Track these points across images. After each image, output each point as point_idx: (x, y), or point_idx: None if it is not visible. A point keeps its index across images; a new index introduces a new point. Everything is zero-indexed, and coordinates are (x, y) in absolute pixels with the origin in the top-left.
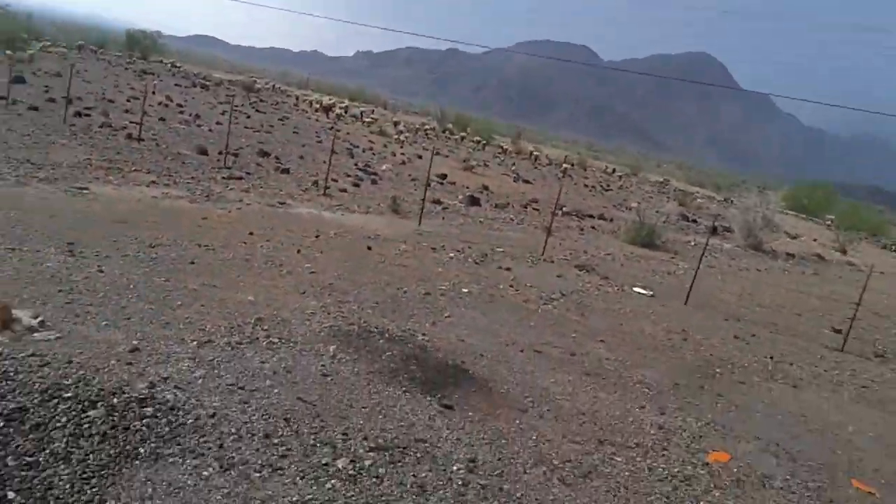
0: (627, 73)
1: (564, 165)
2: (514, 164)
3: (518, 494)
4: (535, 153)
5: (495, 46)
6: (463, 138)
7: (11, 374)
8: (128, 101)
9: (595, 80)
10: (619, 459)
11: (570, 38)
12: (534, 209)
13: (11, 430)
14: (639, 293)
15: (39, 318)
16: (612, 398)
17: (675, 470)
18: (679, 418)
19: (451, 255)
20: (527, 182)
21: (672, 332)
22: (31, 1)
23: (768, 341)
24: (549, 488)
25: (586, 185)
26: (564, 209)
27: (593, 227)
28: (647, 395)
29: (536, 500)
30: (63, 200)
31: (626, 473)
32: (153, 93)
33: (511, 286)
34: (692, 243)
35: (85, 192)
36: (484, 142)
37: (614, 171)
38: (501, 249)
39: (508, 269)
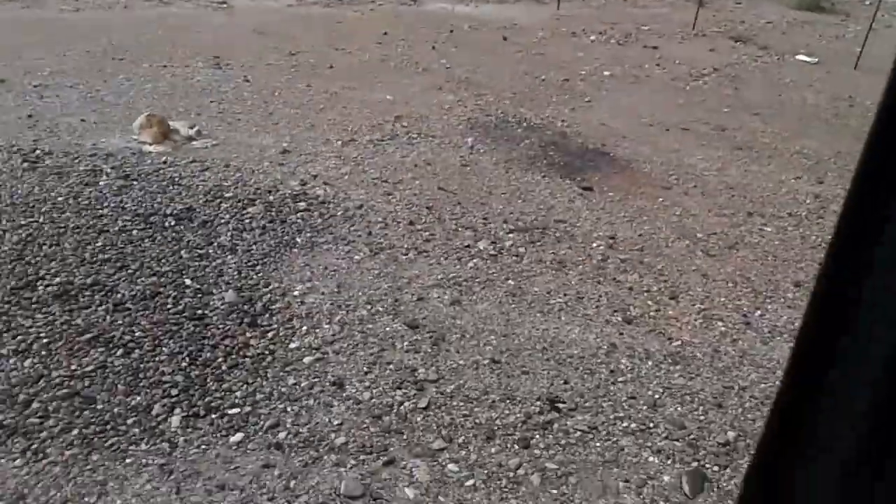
0: None
1: None
2: None
3: (659, 266)
4: None
5: None
6: None
7: (177, 179)
8: None
9: None
10: (769, 230)
11: None
12: None
13: (182, 227)
14: (801, 61)
15: (196, 128)
16: (765, 170)
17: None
18: (839, 186)
19: (592, 38)
20: None
21: (837, 99)
22: None
23: None
24: (692, 259)
25: None
26: None
27: None
28: (805, 165)
29: (678, 270)
30: (205, 16)
31: (776, 242)
32: None
33: (657, 65)
34: (867, 2)
35: (224, 6)
36: None
37: None
38: (647, 27)
39: (655, 47)
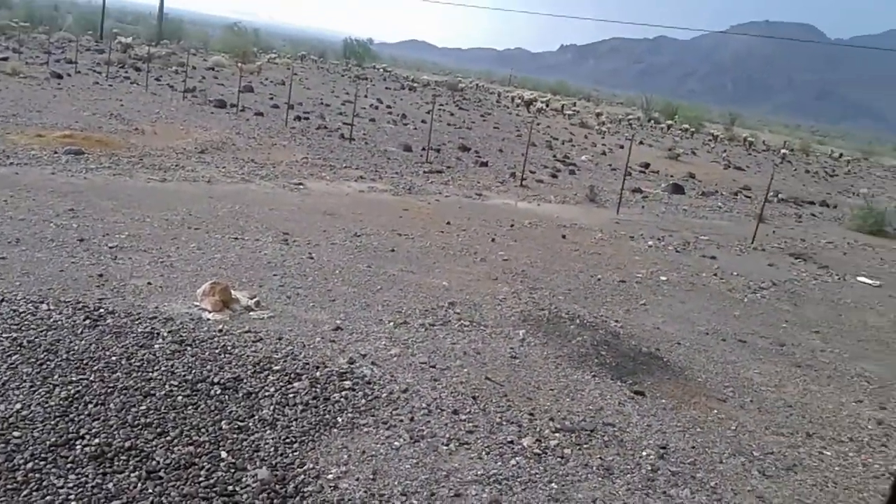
0: (859, 51)
1: (783, 151)
2: (725, 151)
3: (712, 483)
4: (749, 139)
5: (707, 30)
6: (670, 127)
7: (229, 347)
8: (342, 104)
9: (821, 60)
10: (828, 454)
11: (791, 17)
12: (745, 196)
13: (227, 397)
14: (863, 283)
15: (255, 299)
16: (825, 391)
17: None
18: None
19: (650, 243)
20: (739, 169)
21: None
22: (260, 20)
23: None
24: (748, 479)
25: (808, 171)
26: (780, 196)
27: (813, 215)
28: (866, 388)
29: (733, 490)
30: (281, 195)
31: (837, 468)
32: (365, 96)
33: (715, 275)
34: None
35: (300, 187)
36: (693, 130)
37: (841, 155)
38: (706, 237)
39: (713, 257)
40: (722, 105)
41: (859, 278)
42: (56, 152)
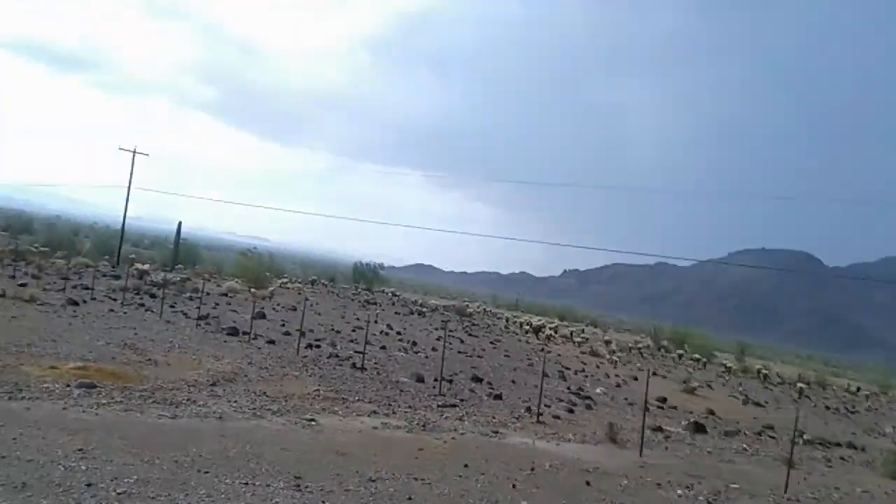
0: (858, 281)
1: (800, 385)
2: (740, 383)
3: None
4: (763, 371)
5: (705, 258)
6: (681, 356)
7: None
8: (353, 331)
9: (822, 287)
10: None
11: (787, 244)
12: (769, 437)
13: None
14: None
15: None
16: None
17: None
18: None
19: (679, 492)
20: (757, 405)
21: None
22: (272, 242)
23: None
24: None
25: (827, 408)
26: (805, 436)
27: (843, 458)
28: None
29: None
30: (292, 433)
31: None
32: (375, 322)
33: None
34: None
35: (312, 423)
36: (704, 360)
37: (859, 389)
38: (737, 486)
39: None
40: (727, 331)
41: None
42: (69, 385)
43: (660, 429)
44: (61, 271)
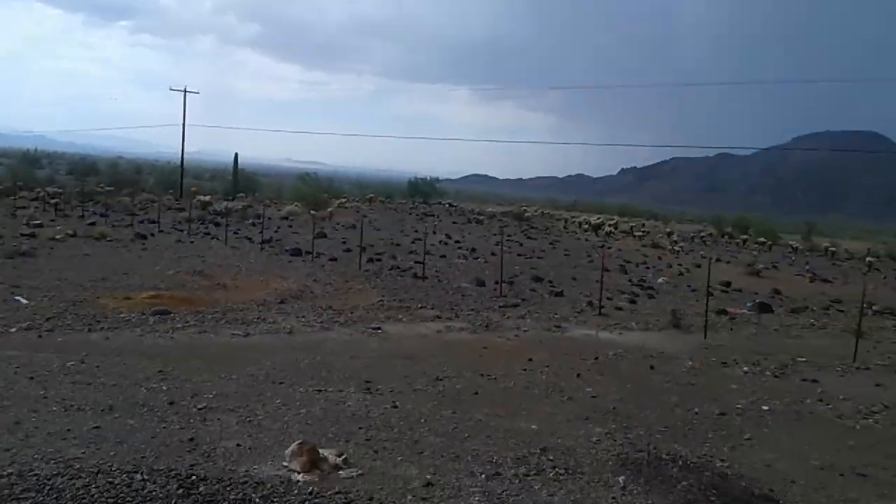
0: None
1: (869, 259)
2: (807, 262)
3: None
4: (831, 248)
5: (768, 145)
6: (745, 242)
7: None
8: (412, 242)
9: (889, 166)
10: None
11: (853, 125)
12: (837, 310)
13: None
14: None
15: (343, 457)
16: None
17: None
18: None
19: (745, 368)
20: (825, 281)
21: None
22: (328, 165)
23: None
24: None
25: None
26: (875, 307)
27: None
28: None
29: None
30: (360, 341)
31: None
32: (434, 232)
33: (820, 400)
34: None
35: (378, 331)
36: (770, 243)
37: None
38: (803, 359)
39: (814, 380)
40: (793, 217)
41: None
42: (144, 314)
43: (724, 311)
44: (127, 208)
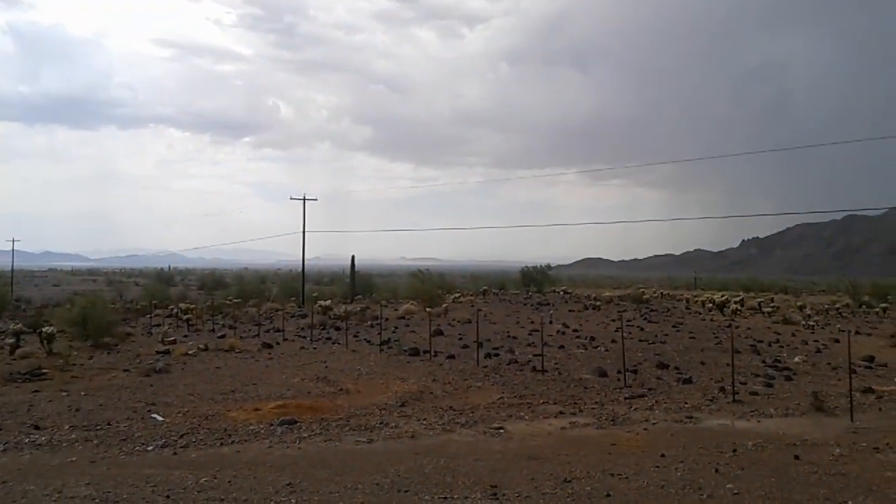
0: None
1: None
2: None
3: None
4: None
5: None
6: (885, 310)
7: None
8: (529, 334)
9: None
10: None
11: None
12: None
13: None
14: None
15: None
16: None
17: None
18: None
19: None
20: None
21: None
22: (440, 262)
23: None
24: None
25: None
26: None
27: None
28: None
29: None
30: (483, 442)
31: None
32: (550, 322)
33: None
34: None
35: (501, 431)
36: None
37: None
38: None
39: None
40: None
41: None
42: (272, 424)
43: (870, 389)
44: (254, 318)
